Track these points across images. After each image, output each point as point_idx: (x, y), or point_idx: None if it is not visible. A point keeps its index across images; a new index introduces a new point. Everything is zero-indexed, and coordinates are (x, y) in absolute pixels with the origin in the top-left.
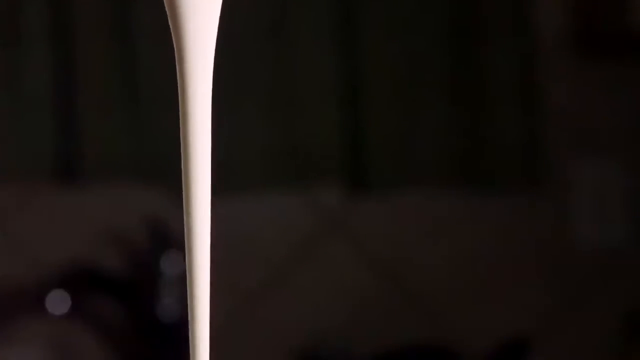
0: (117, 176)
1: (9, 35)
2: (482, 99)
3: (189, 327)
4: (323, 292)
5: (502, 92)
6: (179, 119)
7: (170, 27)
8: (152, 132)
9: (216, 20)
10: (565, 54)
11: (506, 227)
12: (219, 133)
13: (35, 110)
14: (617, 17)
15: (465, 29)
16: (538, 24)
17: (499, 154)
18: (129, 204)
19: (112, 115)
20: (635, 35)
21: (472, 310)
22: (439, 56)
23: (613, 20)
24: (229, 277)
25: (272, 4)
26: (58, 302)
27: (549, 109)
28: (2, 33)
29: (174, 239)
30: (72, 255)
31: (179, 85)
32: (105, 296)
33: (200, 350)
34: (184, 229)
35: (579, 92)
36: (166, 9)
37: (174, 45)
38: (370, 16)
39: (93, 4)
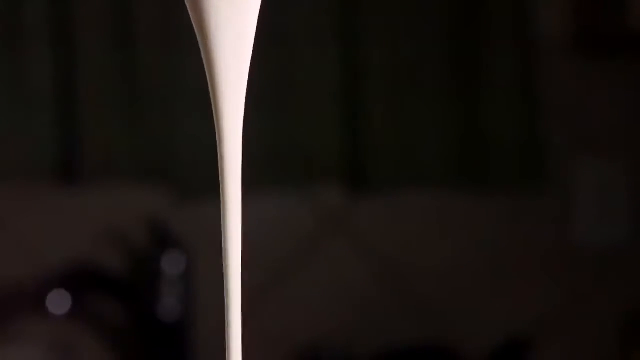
0: (117, 176)
1: (10, 36)
2: (482, 98)
3: (226, 328)
4: (324, 292)
5: (502, 91)
6: (178, 119)
7: (197, 36)
8: (152, 133)
9: (253, 27)
10: (565, 54)
11: (506, 227)
12: None
13: (35, 110)
14: (617, 17)
15: (465, 29)
16: (538, 24)
17: (499, 154)
18: (129, 204)
19: (112, 115)
20: (635, 35)
21: (473, 310)
22: (439, 56)
23: (613, 20)
24: None
25: (274, 6)
26: (59, 302)
27: (549, 108)
28: (3, 33)
29: (174, 239)
30: (72, 255)
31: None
32: (106, 296)
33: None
34: (185, 229)
35: (579, 91)
36: (190, 13)
37: (202, 54)
38: (371, 17)
39: (94, 5)
